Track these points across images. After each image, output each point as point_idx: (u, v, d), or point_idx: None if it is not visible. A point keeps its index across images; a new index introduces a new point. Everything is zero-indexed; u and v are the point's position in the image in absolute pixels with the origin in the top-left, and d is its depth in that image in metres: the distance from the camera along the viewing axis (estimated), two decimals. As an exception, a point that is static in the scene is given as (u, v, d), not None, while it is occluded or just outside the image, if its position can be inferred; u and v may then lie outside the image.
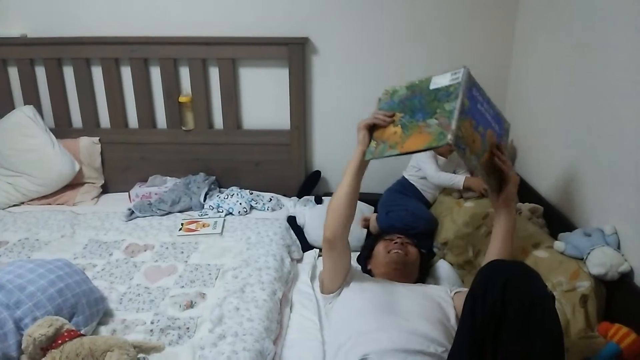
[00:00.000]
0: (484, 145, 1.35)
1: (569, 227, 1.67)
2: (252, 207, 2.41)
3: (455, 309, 1.52)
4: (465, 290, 1.55)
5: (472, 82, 1.36)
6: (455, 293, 1.59)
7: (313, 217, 2.29)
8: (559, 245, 1.51)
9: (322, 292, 1.69)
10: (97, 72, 2.53)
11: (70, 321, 1.43)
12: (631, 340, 1.21)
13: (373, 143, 1.49)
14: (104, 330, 1.55)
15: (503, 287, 1.12)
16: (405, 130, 1.39)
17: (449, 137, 1.24)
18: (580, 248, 1.46)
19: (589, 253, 1.43)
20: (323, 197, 2.43)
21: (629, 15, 1.47)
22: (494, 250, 1.48)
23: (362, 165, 1.53)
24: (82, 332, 1.42)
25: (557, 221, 1.81)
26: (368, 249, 1.91)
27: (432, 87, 1.39)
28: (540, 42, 2.11)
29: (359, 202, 2.29)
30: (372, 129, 1.52)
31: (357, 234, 2.18)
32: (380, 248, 1.82)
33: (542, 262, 1.50)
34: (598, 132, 1.63)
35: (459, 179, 2.15)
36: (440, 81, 1.38)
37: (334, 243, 1.56)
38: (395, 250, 1.75)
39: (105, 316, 1.61)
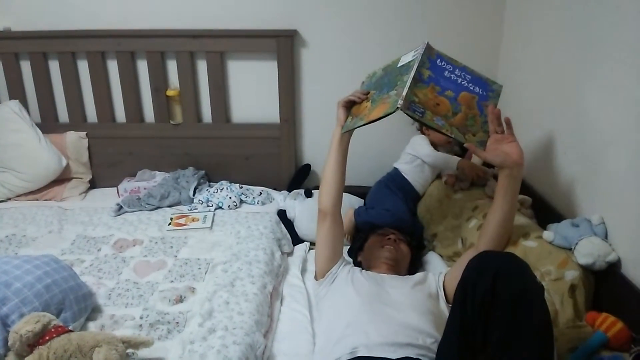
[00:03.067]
0: (456, 107, 1.43)
1: (558, 218, 1.68)
2: (242, 201, 2.40)
3: (445, 289, 1.55)
4: (450, 269, 1.63)
5: (435, 54, 1.48)
6: (444, 275, 1.61)
7: (303, 210, 2.28)
8: (547, 235, 1.52)
9: (316, 277, 1.70)
10: (83, 66, 2.49)
11: (58, 317, 1.42)
12: (618, 329, 1.22)
13: (349, 118, 1.63)
14: (93, 326, 1.54)
15: (493, 278, 1.13)
16: (373, 103, 1.51)
17: (400, 102, 1.34)
18: (568, 238, 1.47)
19: (577, 243, 1.44)
20: (313, 191, 2.42)
21: (618, 2, 1.47)
22: (483, 240, 1.50)
23: (343, 140, 1.67)
24: (70, 328, 1.40)
25: (546, 212, 1.82)
26: (360, 242, 1.92)
27: (399, 64, 1.52)
28: (528, 33, 2.11)
29: (348, 194, 2.33)
30: (351, 107, 1.66)
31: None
32: (372, 242, 1.83)
33: (531, 251, 1.51)
34: (586, 123, 1.64)
35: (453, 159, 2.14)
36: (406, 58, 1.52)
37: (326, 211, 1.68)
38: (388, 246, 1.76)
39: (93, 312, 1.60)
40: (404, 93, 1.34)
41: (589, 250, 1.40)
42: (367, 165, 2.48)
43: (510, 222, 1.50)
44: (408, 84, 1.37)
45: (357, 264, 1.86)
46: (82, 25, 2.41)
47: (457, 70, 1.48)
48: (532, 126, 2.06)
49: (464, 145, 1.44)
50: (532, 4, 2.06)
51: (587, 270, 1.43)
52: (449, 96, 1.42)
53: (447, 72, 1.46)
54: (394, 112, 1.36)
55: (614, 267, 1.42)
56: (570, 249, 1.46)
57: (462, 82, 1.47)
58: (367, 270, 1.72)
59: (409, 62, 1.49)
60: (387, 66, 1.63)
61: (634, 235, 1.38)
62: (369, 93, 1.60)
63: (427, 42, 1.45)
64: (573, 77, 1.72)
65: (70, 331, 1.36)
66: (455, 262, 1.66)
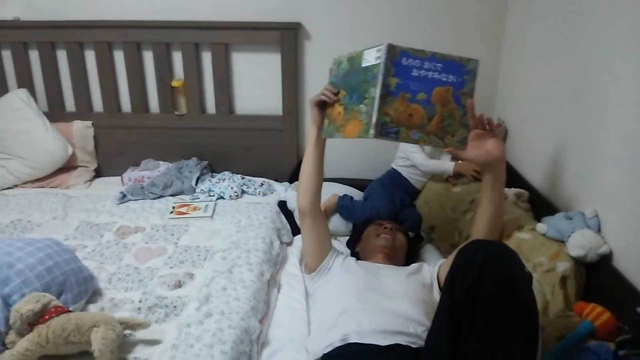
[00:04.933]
0: (430, 110, 1.34)
1: (553, 211, 1.69)
2: (243, 192, 2.43)
3: (439, 278, 1.56)
4: (445, 260, 1.62)
5: (399, 52, 1.33)
6: (439, 266, 1.62)
7: (304, 202, 2.31)
8: (541, 227, 1.54)
9: (306, 272, 1.72)
10: (90, 56, 2.53)
11: (58, 299, 1.45)
12: (605, 319, 1.24)
13: (326, 121, 1.57)
14: (93, 308, 1.57)
15: (481, 265, 1.14)
16: (346, 113, 1.43)
17: (371, 132, 1.28)
18: (561, 230, 1.48)
19: (569, 235, 1.45)
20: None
21: (617, 4, 1.47)
22: (475, 236, 1.48)
23: (319, 140, 1.63)
24: (70, 309, 1.44)
25: (542, 205, 1.83)
26: (357, 233, 1.94)
27: (363, 64, 1.39)
28: (530, 31, 2.12)
29: (347, 186, 2.36)
30: (324, 104, 1.56)
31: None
32: (369, 232, 1.85)
33: (524, 243, 1.53)
34: (582, 119, 1.65)
35: (448, 166, 2.17)
36: (369, 58, 1.37)
37: (304, 210, 1.68)
38: (385, 235, 1.78)
39: (94, 295, 1.63)
40: (374, 120, 1.28)
41: (580, 243, 1.41)
42: (365, 158, 2.52)
43: (500, 216, 1.48)
44: (376, 106, 1.28)
45: (354, 254, 1.88)
46: (89, 15, 2.45)
47: (426, 62, 1.35)
48: (530, 122, 2.07)
49: (445, 150, 1.38)
50: (533, 2, 2.07)
51: (579, 262, 1.44)
52: (421, 100, 1.33)
53: (415, 70, 1.33)
54: (367, 138, 1.31)
55: (605, 260, 1.43)
56: (563, 241, 1.47)
57: (434, 76, 1.35)
58: (364, 260, 1.74)
59: (372, 65, 1.35)
60: (351, 58, 1.47)
61: (626, 229, 1.40)
62: (338, 93, 1.50)
63: (389, 44, 1.31)
64: (571, 75, 1.73)
65: (70, 312, 1.39)
66: (451, 254, 1.67)
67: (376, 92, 1.29)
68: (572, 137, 1.71)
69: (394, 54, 1.30)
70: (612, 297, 1.36)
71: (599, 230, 1.47)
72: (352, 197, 2.24)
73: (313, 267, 1.70)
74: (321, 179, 1.69)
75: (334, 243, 2.14)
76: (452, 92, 1.35)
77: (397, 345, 1.31)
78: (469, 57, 1.35)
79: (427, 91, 1.33)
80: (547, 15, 1.94)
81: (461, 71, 1.36)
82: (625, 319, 1.25)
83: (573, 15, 1.73)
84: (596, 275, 1.45)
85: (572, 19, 1.73)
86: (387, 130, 1.29)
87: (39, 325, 1.31)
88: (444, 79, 1.35)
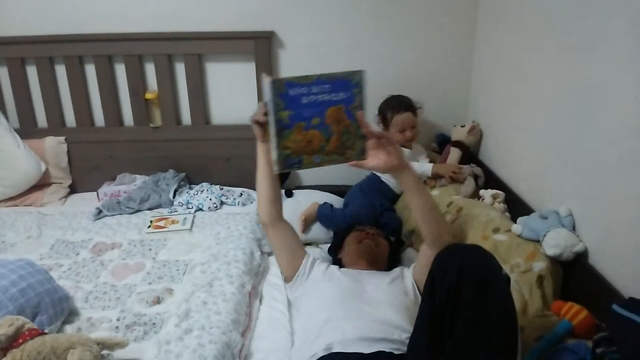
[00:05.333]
0: (326, 132, 1.37)
1: (529, 211, 1.71)
2: (222, 203, 2.41)
3: (416, 281, 1.58)
4: (416, 263, 1.64)
5: (284, 84, 1.34)
6: (412, 269, 1.63)
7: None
8: (516, 228, 1.55)
9: (285, 281, 1.71)
10: (61, 71, 2.49)
11: (33, 321, 1.42)
12: (582, 317, 1.26)
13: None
14: (69, 329, 1.54)
15: (459, 269, 1.15)
16: (271, 138, 1.42)
17: (275, 168, 1.35)
18: (536, 230, 1.50)
19: (544, 235, 1.47)
20: (294, 191, 2.43)
21: (584, 5, 1.50)
22: (425, 238, 1.49)
23: (268, 155, 1.57)
24: (46, 331, 1.40)
25: (518, 206, 1.85)
26: (339, 240, 1.94)
27: (265, 98, 1.38)
28: (500, 34, 2.15)
29: (326, 193, 2.36)
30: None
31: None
32: (351, 238, 1.85)
33: (501, 245, 1.54)
34: (554, 119, 1.67)
35: (427, 167, 2.20)
36: (267, 93, 1.36)
37: (265, 223, 1.70)
38: (367, 240, 1.79)
39: (70, 315, 1.60)
40: (274, 157, 1.34)
41: (556, 242, 1.43)
42: (344, 165, 2.51)
43: (433, 211, 1.48)
44: (274, 144, 1.33)
45: (336, 261, 1.88)
46: (58, 30, 2.41)
47: (313, 86, 1.38)
48: (505, 123, 2.10)
49: (348, 164, 1.41)
50: (503, 4, 2.10)
51: (555, 261, 1.46)
52: (316, 125, 1.37)
53: (304, 97, 1.36)
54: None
55: (581, 258, 1.45)
56: (539, 241, 1.49)
57: (324, 98, 1.38)
58: (346, 267, 1.74)
59: (268, 101, 1.36)
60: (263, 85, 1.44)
61: (600, 226, 1.42)
62: (266, 114, 1.42)
63: (271, 80, 1.32)
64: (543, 76, 1.76)
65: (45, 334, 1.36)
66: (419, 255, 1.66)
67: (272, 130, 1.33)
68: (545, 136, 1.74)
69: (279, 88, 1.32)
70: (589, 295, 1.38)
71: (573, 229, 1.49)
72: (332, 205, 2.23)
73: (290, 276, 1.71)
74: (277, 189, 1.70)
75: (316, 250, 2.15)
76: (344, 109, 1.38)
77: (380, 352, 1.31)
78: (354, 69, 1.38)
79: (320, 114, 1.36)
80: (517, 17, 1.97)
81: (349, 86, 1.39)
82: (603, 317, 1.27)
83: (542, 17, 1.76)
84: (573, 274, 1.47)
85: (541, 20, 1.76)
86: (290, 162, 1.35)
87: (13, 350, 1.27)
88: (335, 99, 1.37)
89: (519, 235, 1.54)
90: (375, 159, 1.39)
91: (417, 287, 1.57)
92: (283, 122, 1.33)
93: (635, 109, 1.27)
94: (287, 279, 1.72)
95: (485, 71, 2.33)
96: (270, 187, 1.67)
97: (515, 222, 1.63)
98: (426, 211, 1.45)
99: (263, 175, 1.66)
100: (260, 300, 1.81)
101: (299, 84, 1.35)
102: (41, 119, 2.58)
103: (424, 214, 1.45)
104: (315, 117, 1.36)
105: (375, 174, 2.32)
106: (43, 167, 2.46)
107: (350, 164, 1.40)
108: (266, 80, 1.31)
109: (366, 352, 1.30)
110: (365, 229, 1.86)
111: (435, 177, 2.19)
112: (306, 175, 2.64)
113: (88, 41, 2.40)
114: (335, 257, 1.92)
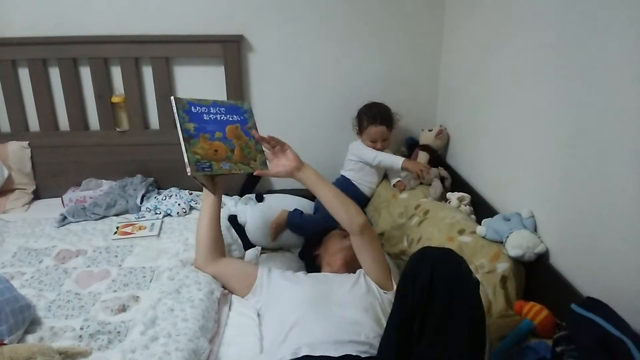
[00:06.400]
0: (229, 144, 1.56)
1: (494, 213, 1.75)
2: (191, 208, 2.38)
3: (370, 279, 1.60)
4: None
5: (186, 102, 1.54)
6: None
7: (254, 215, 2.28)
8: (480, 230, 1.58)
9: (243, 297, 1.72)
10: (24, 74, 2.43)
11: (-8, 331, 1.38)
12: (543, 317, 1.29)
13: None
14: (31, 339, 1.49)
15: (431, 271, 1.17)
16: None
17: (188, 170, 1.46)
18: (499, 232, 1.53)
19: (507, 236, 1.50)
20: (264, 195, 2.42)
21: (549, 5, 1.53)
22: (338, 221, 1.59)
23: (213, 202, 1.76)
24: (5, 341, 1.36)
25: (483, 208, 1.88)
26: (316, 242, 1.93)
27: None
28: (466, 39, 2.19)
29: (299, 197, 2.36)
30: None
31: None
32: (334, 237, 1.85)
33: (466, 246, 1.57)
34: (517, 123, 1.71)
35: (397, 159, 2.23)
36: (172, 107, 1.54)
37: (203, 267, 1.76)
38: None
39: (32, 324, 1.55)
40: (186, 160, 1.45)
41: (518, 243, 1.46)
42: (318, 168, 2.51)
43: (339, 198, 1.59)
44: (183, 148, 1.47)
45: (309, 264, 1.88)
46: (21, 32, 2.35)
47: (211, 108, 1.57)
48: (471, 128, 2.13)
49: (254, 174, 1.56)
50: (468, 12, 2.14)
51: (518, 262, 1.49)
52: (219, 137, 1.53)
53: (205, 115, 1.54)
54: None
55: (542, 258, 1.49)
56: (502, 242, 1.52)
57: (222, 117, 1.57)
58: (324, 266, 1.76)
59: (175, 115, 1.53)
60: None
61: (560, 227, 1.46)
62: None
63: (174, 98, 1.51)
64: (505, 79, 1.80)
65: (4, 344, 1.32)
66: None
67: (180, 137, 1.49)
68: (507, 140, 1.78)
69: (183, 105, 1.52)
70: (550, 295, 1.41)
71: (535, 230, 1.53)
72: (301, 212, 2.23)
73: (245, 294, 1.71)
74: (217, 235, 1.77)
75: (287, 255, 2.14)
76: (241, 128, 1.59)
77: (347, 356, 1.31)
78: (242, 100, 1.67)
79: (221, 130, 1.56)
80: (482, 24, 2.01)
81: (240, 112, 1.62)
82: (563, 316, 1.30)
83: (504, 23, 1.80)
84: (535, 274, 1.50)
85: (503, 26, 1.80)
86: (201, 166, 1.49)
87: (-31, 363, 1.23)
88: (230, 119, 1.59)
89: (483, 237, 1.57)
90: (277, 167, 1.59)
91: (377, 284, 1.59)
92: (190, 132, 1.50)
93: (593, 113, 1.31)
94: (244, 296, 1.72)
95: (452, 77, 2.37)
96: (209, 235, 1.74)
97: (481, 224, 1.66)
98: (332, 199, 1.58)
99: (204, 223, 1.74)
100: (230, 307, 1.79)
101: (199, 104, 1.56)
102: (4, 123, 2.51)
103: (332, 203, 1.58)
104: (217, 131, 1.55)
105: (345, 177, 2.34)
106: (6, 173, 2.39)
107: (257, 173, 1.57)
108: (171, 98, 1.50)
109: (334, 356, 1.30)
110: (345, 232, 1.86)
111: (405, 169, 2.21)
112: (277, 179, 2.64)
113: (52, 43, 2.34)
114: (309, 259, 1.91)
